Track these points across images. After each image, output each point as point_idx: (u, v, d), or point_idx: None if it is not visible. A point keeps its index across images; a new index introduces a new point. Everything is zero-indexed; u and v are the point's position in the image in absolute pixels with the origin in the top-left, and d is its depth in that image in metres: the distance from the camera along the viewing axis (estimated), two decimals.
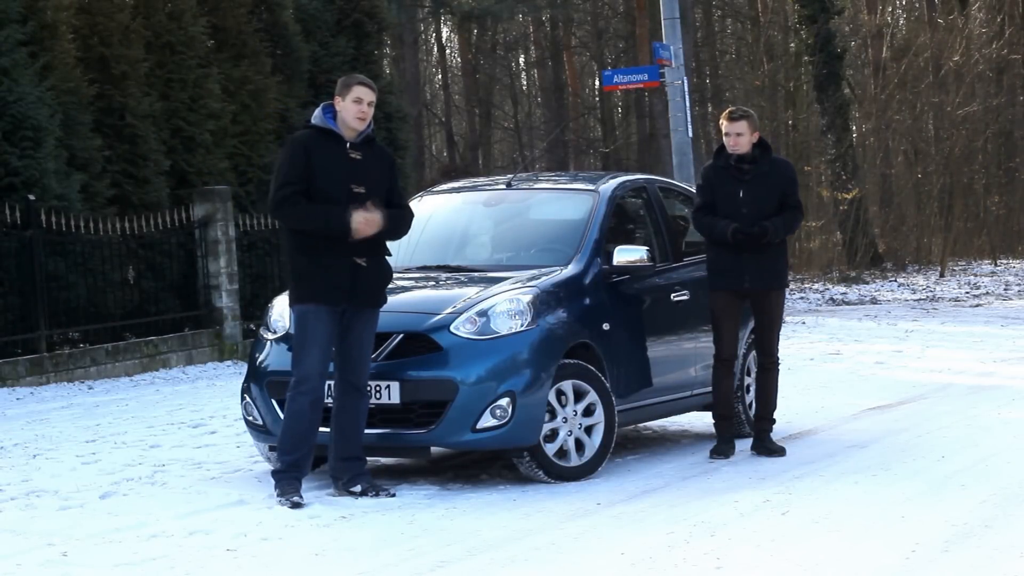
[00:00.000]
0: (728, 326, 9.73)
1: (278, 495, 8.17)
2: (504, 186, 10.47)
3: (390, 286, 8.57)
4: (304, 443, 8.26)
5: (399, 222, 8.51)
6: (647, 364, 9.66)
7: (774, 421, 9.90)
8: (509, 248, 9.90)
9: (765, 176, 9.69)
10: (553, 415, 8.80)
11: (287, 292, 8.84)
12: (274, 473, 8.34)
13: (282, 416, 8.66)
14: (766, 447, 9.72)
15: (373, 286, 8.36)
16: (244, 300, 18.79)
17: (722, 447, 9.70)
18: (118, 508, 8.20)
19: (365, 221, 8.18)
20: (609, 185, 10.08)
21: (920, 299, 25.50)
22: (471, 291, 8.96)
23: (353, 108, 8.33)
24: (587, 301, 9.21)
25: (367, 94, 8.37)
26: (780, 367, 10.00)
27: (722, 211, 9.65)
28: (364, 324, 8.34)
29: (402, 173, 22.89)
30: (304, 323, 8.26)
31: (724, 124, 9.73)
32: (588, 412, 8.93)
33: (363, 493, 8.32)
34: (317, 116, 8.42)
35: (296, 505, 8.04)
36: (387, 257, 8.50)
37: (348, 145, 8.34)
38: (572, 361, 8.90)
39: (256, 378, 9.01)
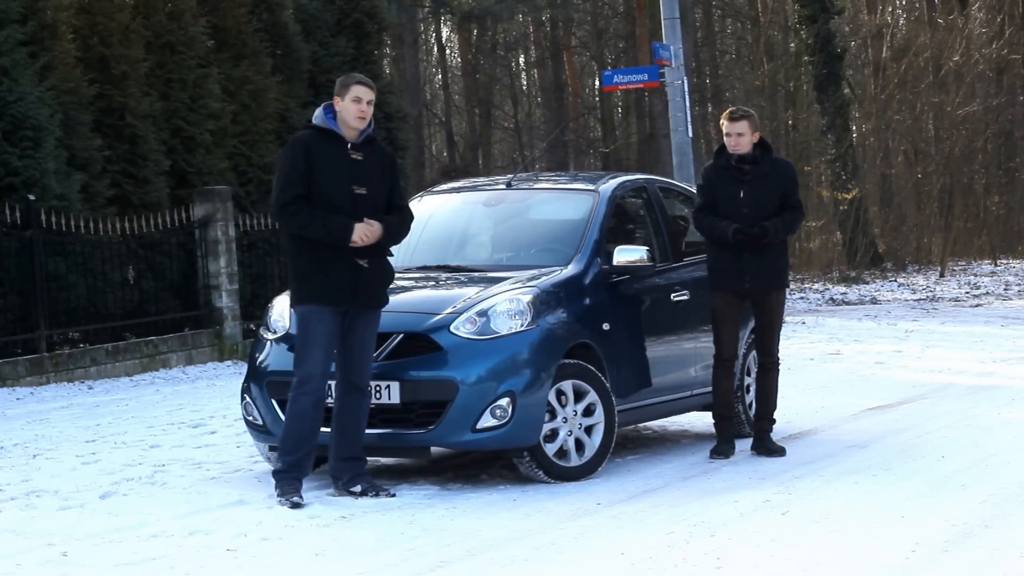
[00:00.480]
0: (728, 326, 9.73)
1: (278, 495, 8.17)
2: (504, 186, 10.47)
3: (390, 286, 8.57)
4: (305, 443, 8.26)
5: (398, 228, 8.49)
6: (647, 364, 9.66)
7: (774, 421, 9.90)
8: (509, 248, 9.90)
9: (766, 176, 9.69)
10: (553, 415, 8.80)
11: (287, 292, 8.83)
12: (275, 473, 8.34)
13: (282, 416, 8.66)
14: (766, 447, 9.72)
15: (375, 287, 8.36)
16: (244, 300, 18.79)
17: (722, 447, 9.70)
18: (118, 508, 8.20)
19: (366, 234, 8.18)
20: (609, 185, 10.07)
21: (920, 299, 25.50)
22: (471, 291, 8.96)
23: (353, 108, 8.32)
24: (587, 301, 9.20)
25: (366, 93, 8.36)
26: (780, 367, 10.00)
27: (723, 211, 9.64)
28: (366, 324, 8.34)
29: (402, 173, 22.91)
30: (306, 323, 8.26)
31: (725, 124, 9.73)
32: (588, 412, 8.93)
33: (363, 493, 8.32)
34: (318, 116, 8.41)
35: (296, 505, 8.04)
36: (388, 258, 8.50)
37: (349, 146, 8.34)
38: (572, 361, 8.89)
39: (256, 378, 9.01)
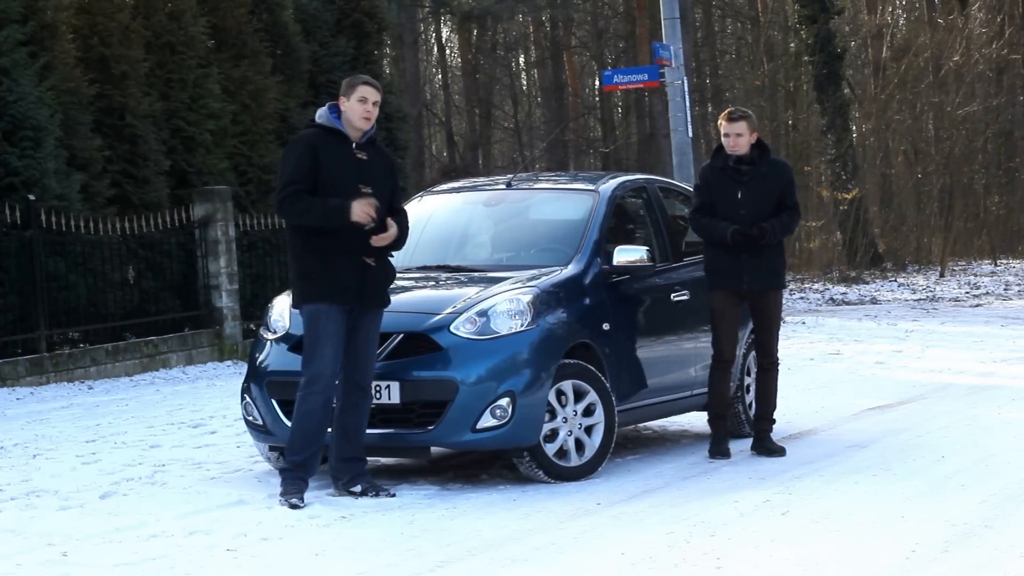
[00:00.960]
0: (728, 327, 9.73)
1: (280, 494, 8.16)
2: (504, 186, 10.47)
3: (390, 286, 8.57)
4: (312, 443, 8.24)
5: (406, 230, 8.51)
6: (647, 364, 9.65)
7: (774, 421, 9.89)
8: (509, 248, 9.90)
9: (764, 177, 9.69)
10: (553, 415, 8.80)
11: (287, 292, 8.82)
12: (281, 471, 8.35)
13: (282, 416, 8.68)
14: (766, 447, 9.72)
15: (380, 286, 8.37)
16: (244, 300, 18.79)
17: (718, 446, 9.70)
18: (118, 508, 8.20)
19: (365, 211, 8.17)
20: (609, 185, 10.07)
21: (920, 299, 25.50)
22: (471, 291, 8.96)
23: (358, 108, 8.32)
24: (587, 301, 9.20)
25: (372, 94, 8.36)
26: (780, 367, 10.00)
27: (720, 212, 9.64)
28: (370, 323, 8.34)
29: (402, 173, 22.92)
30: (316, 322, 8.24)
31: (723, 125, 9.73)
32: (588, 412, 8.93)
33: (363, 493, 8.32)
34: (323, 115, 8.41)
35: (294, 507, 8.02)
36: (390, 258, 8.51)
37: (354, 145, 8.35)
38: (572, 361, 8.89)
39: (256, 378, 9.00)
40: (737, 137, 9.64)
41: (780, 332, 10.02)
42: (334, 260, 8.23)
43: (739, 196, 9.61)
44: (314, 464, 8.32)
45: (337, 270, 8.23)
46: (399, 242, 8.51)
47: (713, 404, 9.81)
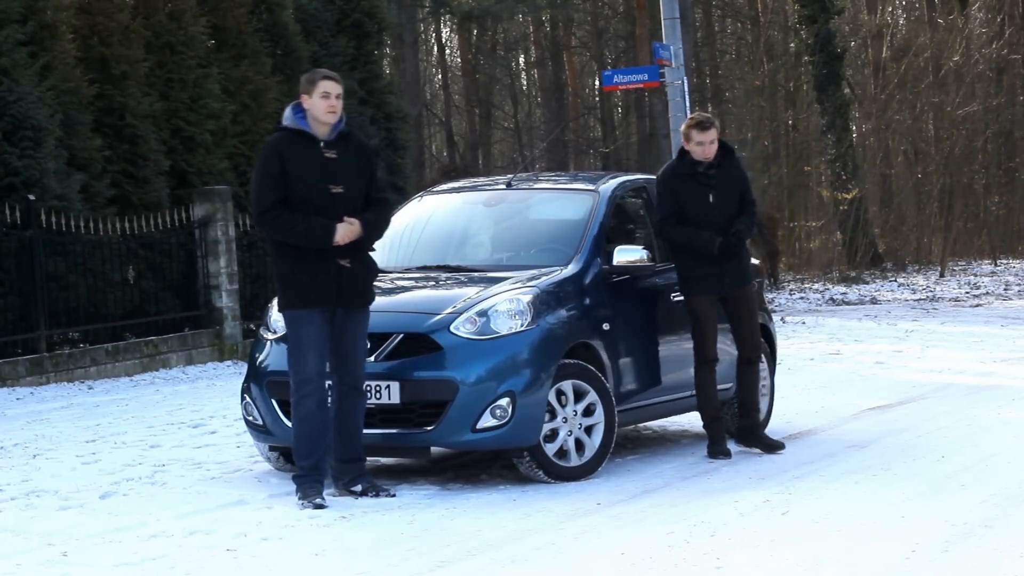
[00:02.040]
0: (712, 327, 9.74)
1: (300, 498, 8.11)
2: (504, 186, 10.47)
3: (390, 286, 8.55)
4: (319, 444, 8.22)
5: (377, 224, 8.38)
6: (647, 364, 9.65)
7: (763, 413, 9.90)
8: (509, 248, 9.90)
9: (728, 178, 9.75)
10: (553, 415, 8.79)
11: None
12: (295, 478, 8.29)
13: (282, 416, 8.67)
14: (762, 442, 9.74)
15: (360, 285, 8.29)
16: (244, 300, 18.80)
17: (718, 447, 9.70)
18: (118, 508, 8.21)
19: (347, 234, 8.15)
20: (609, 185, 10.07)
21: (920, 299, 25.50)
22: (471, 291, 8.95)
23: (322, 103, 8.24)
24: (587, 301, 9.20)
25: (334, 87, 8.26)
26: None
27: (692, 218, 9.62)
28: (356, 324, 8.29)
29: (402, 173, 22.95)
30: (296, 327, 8.23)
31: (693, 134, 9.71)
32: (588, 412, 8.93)
33: (363, 493, 8.32)
34: (287, 117, 8.31)
35: (319, 507, 7.99)
36: (371, 254, 8.43)
37: (322, 144, 8.25)
38: (572, 361, 8.89)
39: (256, 378, 9.01)
40: (710, 145, 9.70)
41: (780, 332, 10.02)
42: (309, 264, 8.16)
43: (710, 200, 9.64)
44: (325, 464, 8.30)
45: (312, 274, 8.16)
46: (376, 234, 8.44)
47: (706, 408, 9.81)
